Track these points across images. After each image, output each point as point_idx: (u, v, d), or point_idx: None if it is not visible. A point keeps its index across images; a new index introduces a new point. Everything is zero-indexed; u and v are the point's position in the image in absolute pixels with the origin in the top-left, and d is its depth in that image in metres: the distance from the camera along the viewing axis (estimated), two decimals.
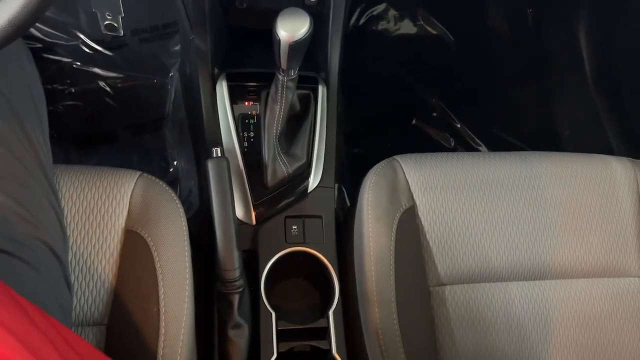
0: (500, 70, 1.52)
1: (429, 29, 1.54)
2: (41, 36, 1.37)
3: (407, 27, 1.54)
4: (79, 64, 1.39)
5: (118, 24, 0.88)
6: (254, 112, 0.96)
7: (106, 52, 1.40)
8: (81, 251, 0.78)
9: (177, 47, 1.41)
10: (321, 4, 0.95)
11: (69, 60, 1.39)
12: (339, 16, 0.94)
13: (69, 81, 1.39)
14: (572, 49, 1.40)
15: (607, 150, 1.30)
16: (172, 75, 1.38)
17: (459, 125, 1.48)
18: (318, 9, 0.96)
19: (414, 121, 1.46)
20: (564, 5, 1.40)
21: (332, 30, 0.95)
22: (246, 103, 0.96)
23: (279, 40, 0.78)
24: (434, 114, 1.48)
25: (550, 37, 1.47)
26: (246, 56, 0.99)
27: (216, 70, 0.95)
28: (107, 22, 0.87)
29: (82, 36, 1.38)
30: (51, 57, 1.38)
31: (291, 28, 0.78)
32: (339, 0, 0.92)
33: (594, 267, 0.93)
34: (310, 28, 0.78)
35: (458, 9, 1.55)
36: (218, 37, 0.94)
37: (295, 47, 0.79)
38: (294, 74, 0.86)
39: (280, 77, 0.85)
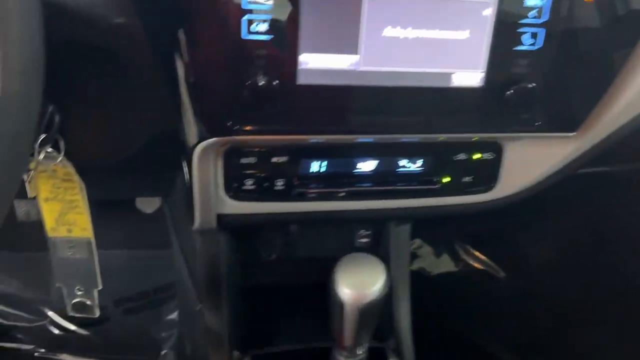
0: (573, 307, 1.23)
1: (473, 264, 1.30)
2: None
3: (447, 265, 1.30)
4: (43, 350, 1.09)
5: (93, 301, 0.60)
6: None
7: (80, 331, 1.11)
8: None
9: (172, 316, 1.12)
10: (376, 242, 0.70)
11: (30, 347, 1.08)
12: (403, 256, 0.68)
13: None
14: None
15: None
16: (164, 354, 1.06)
17: None
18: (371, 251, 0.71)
19: None
20: None
21: (396, 277, 0.68)
22: None
23: (342, 304, 0.51)
24: None
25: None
26: (278, 327, 0.69)
27: (235, 354, 0.64)
28: (76, 300, 0.59)
29: (50, 314, 1.10)
30: (6, 345, 1.07)
31: (360, 284, 0.51)
32: (403, 233, 0.68)
33: None
34: (388, 280, 0.52)
35: (501, 238, 1.33)
36: (236, 305, 0.66)
37: (368, 311, 0.51)
38: (361, 352, 0.56)
39: (342, 358, 0.55)
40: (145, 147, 0.59)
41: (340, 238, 0.70)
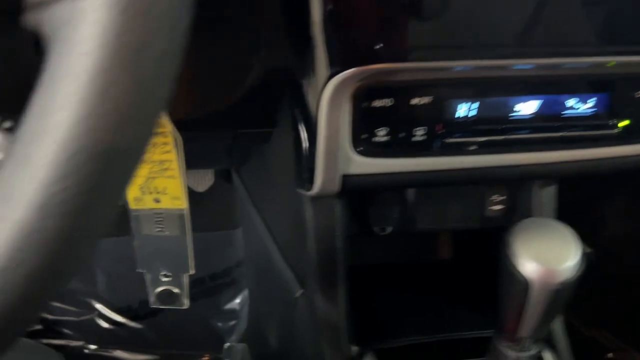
0: None
1: None
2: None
3: None
4: (93, 347, 0.99)
5: (182, 289, 0.48)
6: None
7: (132, 324, 1.00)
8: None
9: (232, 305, 1.02)
10: (512, 209, 0.57)
11: (79, 343, 0.99)
12: None
13: None
14: None
15: None
16: (229, 347, 0.95)
17: None
18: (502, 223, 0.58)
19: None
20: None
21: None
22: None
23: (526, 283, 0.39)
24: (609, 355, 1.01)
25: None
26: (401, 315, 0.57)
27: (354, 349, 0.52)
28: (161, 289, 0.48)
29: (98, 306, 1.00)
30: (54, 341, 0.97)
31: (550, 257, 0.39)
32: (548, 196, 0.55)
33: None
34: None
35: (580, 210, 1.20)
36: (351, 289, 0.54)
37: (560, 294, 0.39)
38: (533, 347, 0.44)
39: (509, 353, 0.43)
40: (235, 104, 0.47)
41: (465, 206, 0.58)
